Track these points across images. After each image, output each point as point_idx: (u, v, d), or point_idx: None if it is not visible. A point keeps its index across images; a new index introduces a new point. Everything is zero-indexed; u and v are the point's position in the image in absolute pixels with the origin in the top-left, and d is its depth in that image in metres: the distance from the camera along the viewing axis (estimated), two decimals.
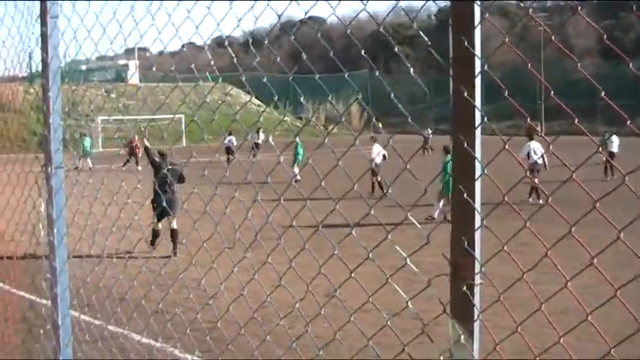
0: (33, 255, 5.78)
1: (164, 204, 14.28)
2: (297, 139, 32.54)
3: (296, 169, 29.82)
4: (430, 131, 58.98)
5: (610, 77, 55.71)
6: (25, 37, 5.33)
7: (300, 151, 33.47)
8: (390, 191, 2.76)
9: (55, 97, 4.88)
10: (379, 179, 26.50)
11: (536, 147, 24.99)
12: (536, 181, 24.68)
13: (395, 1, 2.49)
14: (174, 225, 15.70)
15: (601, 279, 2.13)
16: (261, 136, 46.32)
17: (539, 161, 23.99)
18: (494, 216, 2.45)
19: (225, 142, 40.31)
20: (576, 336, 8.71)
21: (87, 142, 41.52)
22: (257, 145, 44.70)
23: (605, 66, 68.72)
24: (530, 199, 23.70)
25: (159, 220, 15.81)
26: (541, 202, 22.65)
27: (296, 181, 26.14)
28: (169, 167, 16.09)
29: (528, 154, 23.97)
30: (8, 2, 5.61)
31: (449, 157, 18.59)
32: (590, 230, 14.30)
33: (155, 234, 15.92)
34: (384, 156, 26.42)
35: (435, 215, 19.19)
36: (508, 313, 2.45)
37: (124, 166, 33.37)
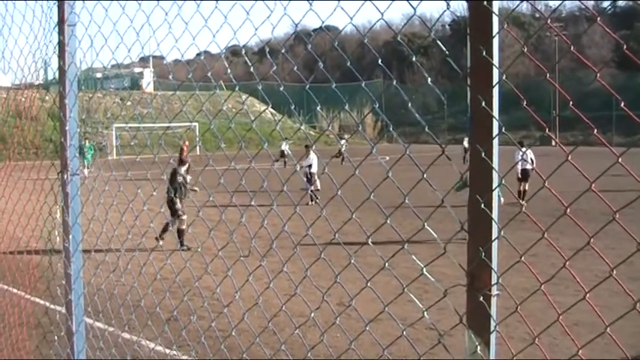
0: (48, 261, 5.80)
1: (179, 205, 16.46)
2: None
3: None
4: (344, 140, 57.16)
5: (625, 88, 55.59)
6: (43, 44, 5.37)
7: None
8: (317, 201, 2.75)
9: (72, 105, 4.91)
10: (318, 188, 27.69)
11: (526, 154, 26.00)
12: (526, 186, 25.69)
13: (409, 8, 2.50)
14: (185, 225, 17.08)
15: (612, 290, 2.12)
16: (286, 145, 47.33)
17: (528, 167, 25.29)
18: (505, 226, 2.44)
19: (282, 147, 44.98)
20: (590, 348, 8.68)
21: (88, 148, 40.31)
22: (283, 153, 45.55)
23: (620, 77, 68.46)
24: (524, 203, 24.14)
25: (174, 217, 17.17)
26: (523, 202, 22.99)
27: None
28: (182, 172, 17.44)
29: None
30: (26, 9, 5.65)
31: None
32: (601, 242, 14.26)
33: (165, 229, 16.91)
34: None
35: None
36: (519, 325, 2.44)
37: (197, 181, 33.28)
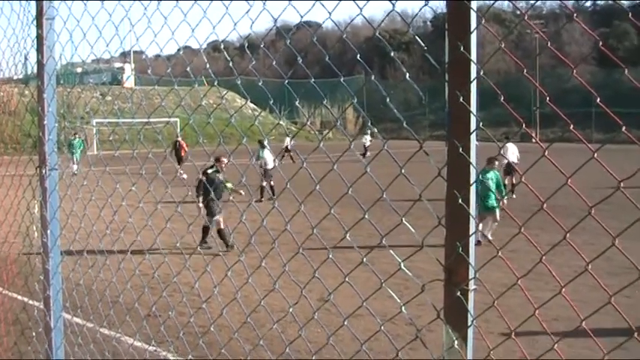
0: (26, 257, 5.77)
1: (216, 204, 16.67)
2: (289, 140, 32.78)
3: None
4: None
5: (604, 85, 55.93)
6: (21, 38, 5.32)
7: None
8: (273, 199, 2.75)
9: (50, 99, 4.88)
10: (272, 184, 27.68)
11: (508, 149, 27.13)
12: (513, 180, 26.21)
13: (391, 5, 2.50)
14: (223, 225, 17.33)
15: (590, 286, 2.13)
16: (289, 141, 47.56)
17: (512, 159, 26.13)
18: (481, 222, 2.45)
19: (286, 143, 44.46)
20: (569, 344, 8.70)
21: (77, 142, 39.58)
22: (287, 149, 45.49)
23: (599, 74, 68.88)
24: (514, 196, 24.40)
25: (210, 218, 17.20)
26: (514, 196, 24.18)
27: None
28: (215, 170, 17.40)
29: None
30: (4, 3, 5.61)
31: (489, 170, 17.58)
32: (579, 237, 14.24)
33: (206, 231, 17.05)
34: (273, 161, 28.29)
35: (486, 235, 15.97)
36: (499, 321, 2.45)
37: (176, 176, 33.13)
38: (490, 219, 16.49)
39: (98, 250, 5.01)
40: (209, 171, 17.18)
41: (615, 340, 2.10)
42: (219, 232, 17.30)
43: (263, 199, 26.31)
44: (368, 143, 49.82)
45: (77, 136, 39.92)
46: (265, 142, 29.40)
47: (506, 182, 25.94)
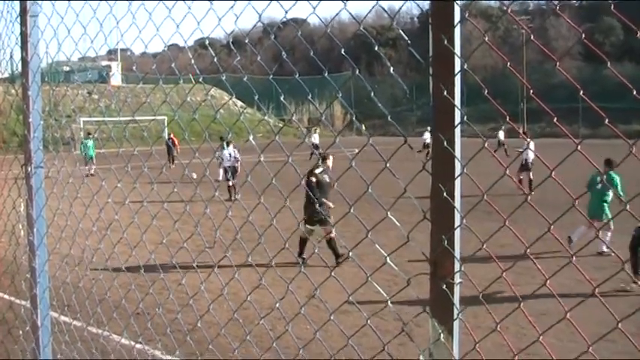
0: (13, 255, 5.74)
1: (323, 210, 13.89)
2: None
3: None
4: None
5: (591, 81, 56.19)
6: (5, 36, 5.30)
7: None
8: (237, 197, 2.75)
9: (35, 96, 4.86)
10: (230, 184, 27.33)
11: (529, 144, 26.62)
12: (530, 175, 26.19)
13: (375, 1, 2.50)
14: (334, 233, 13.85)
15: (578, 280, 2.14)
16: (317, 137, 47.75)
17: (531, 156, 25.49)
18: (472, 217, 2.46)
19: (313, 139, 46.88)
20: (557, 337, 8.71)
21: (91, 144, 38.52)
22: (316, 145, 45.50)
23: (586, 70, 69.15)
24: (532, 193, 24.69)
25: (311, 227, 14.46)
26: (532, 193, 23.93)
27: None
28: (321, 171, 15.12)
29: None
30: None
31: (611, 173, 16.21)
32: (567, 231, 14.23)
33: (304, 243, 14.16)
34: (236, 159, 28.31)
35: (576, 238, 14.65)
36: (488, 315, 2.46)
37: (166, 166, 33.24)
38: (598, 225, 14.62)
39: (84, 248, 5.00)
40: (317, 171, 14.58)
41: (601, 334, 2.11)
42: (330, 242, 13.77)
43: (232, 198, 25.52)
44: (428, 139, 44.50)
45: (91, 136, 39.57)
46: (229, 139, 29.66)
47: (522, 178, 25.95)
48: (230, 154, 28.45)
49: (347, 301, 3.06)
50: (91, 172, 33.19)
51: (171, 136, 42.94)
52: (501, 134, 46.32)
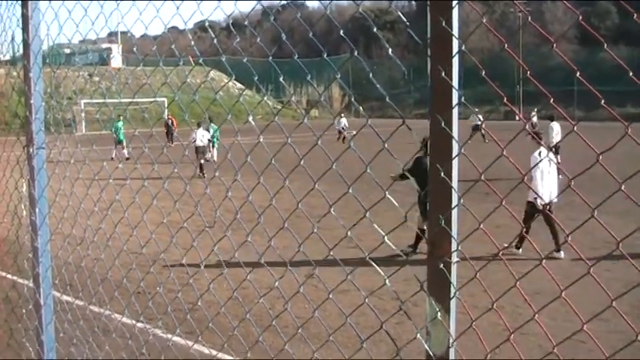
0: (15, 235, 5.79)
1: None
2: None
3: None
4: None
5: (586, 64, 56.12)
6: (7, 18, 5.32)
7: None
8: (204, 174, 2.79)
9: (37, 78, 4.89)
10: (202, 162, 28.97)
11: (553, 129, 26.46)
12: (558, 158, 25.72)
13: None
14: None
15: (574, 261, 2.19)
16: (344, 121, 47.62)
17: (557, 140, 25.49)
18: (470, 198, 2.50)
19: (341, 123, 46.55)
20: (551, 317, 8.78)
21: (120, 124, 35.87)
22: (342, 129, 45.49)
23: (582, 53, 68.99)
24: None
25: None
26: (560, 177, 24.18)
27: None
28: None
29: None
30: None
31: None
32: (563, 213, 14.27)
33: (420, 239, 12.24)
34: (208, 140, 30.64)
35: None
36: (485, 295, 2.50)
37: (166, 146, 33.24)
38: None
39: (86, 228, 5.05)
40: (420, 155, 12.33)
41: (595, 312, 2.15)
42: (421, 232, 12.25)
43: (200, 174, 27.06)
44: (480, 122, 41.17)
45: (121, 117, 38.32)
46: (201, 122, 31.47)
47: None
48: (203, 136, 30.40)
49: (344, 280, 3.11)
50: (126, 157, 32.57)
51: (170, 116, 43.31)
52: (535, 119, 44.19)
